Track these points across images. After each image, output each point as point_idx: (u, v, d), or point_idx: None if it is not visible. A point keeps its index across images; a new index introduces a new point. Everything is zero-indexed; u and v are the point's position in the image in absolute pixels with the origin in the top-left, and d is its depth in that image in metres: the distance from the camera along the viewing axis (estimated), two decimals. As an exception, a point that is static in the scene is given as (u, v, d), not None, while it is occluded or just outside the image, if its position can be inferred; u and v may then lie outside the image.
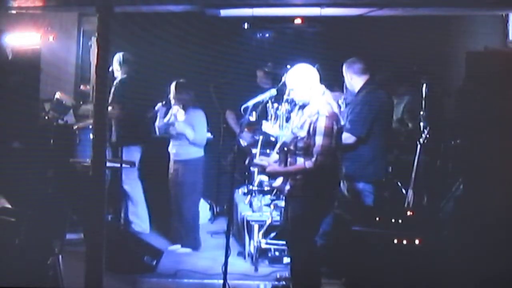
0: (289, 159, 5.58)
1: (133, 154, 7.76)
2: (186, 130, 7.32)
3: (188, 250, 7.41)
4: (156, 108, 7.53)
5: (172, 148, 7.52)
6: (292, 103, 5.96)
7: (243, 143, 7.66)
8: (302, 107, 5.61)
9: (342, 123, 5.64)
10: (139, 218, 8.01)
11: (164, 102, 7.47)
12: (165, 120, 7.46)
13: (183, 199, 7.41)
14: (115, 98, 7.78)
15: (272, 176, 6.28)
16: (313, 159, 5.38)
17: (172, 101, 7.43)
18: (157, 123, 7.52)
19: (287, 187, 5.60)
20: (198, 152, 7.45)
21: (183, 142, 7.40)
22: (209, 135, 7.81)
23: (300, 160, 5.48)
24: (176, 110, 7.43)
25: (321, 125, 5.39)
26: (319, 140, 5.38)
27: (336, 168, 5.60)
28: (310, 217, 5.55)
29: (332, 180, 5.60)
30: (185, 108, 7.41)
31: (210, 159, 7.69)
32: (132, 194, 7.90)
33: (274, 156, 5.86)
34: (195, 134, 7.35)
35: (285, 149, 5.63)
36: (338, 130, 5.51)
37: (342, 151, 5.79)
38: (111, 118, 7.63)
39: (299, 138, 5.49)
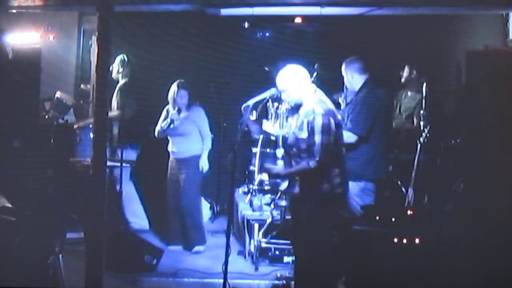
0: (293, 162, 5.57)
1: (130, 154, 7.77)
2: (190, 129, 7.37)
3: (202, 247, 7.43)
4: (165, 111, 7.53)
5: (172, 147, 7.53)
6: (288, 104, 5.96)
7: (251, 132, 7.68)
8: (297, 107, 5.60)
9: (339, 117, 5.63)
10: (137, 216, 8.03)
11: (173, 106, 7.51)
12: (168, 121, 7.48)
13: (185, 197, 7.42)
14: (118, 100, 7.80)
15: (279, 178, 6.30)
16: (316, 158, 5.37)
17: (171, 102, 7.46)
18: (161, 125, 7.51)
19: (296, 189, 5.59)
20: (199, 150, 7.47)
21: (184, 140, 7.41)
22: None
23: (304, 161, 5.47)
24: (176, 112, 7.45)
25: (319, 123, 5.37)
26: (318, 138, 5.37)
27: (340, 164, 5.58)
28: (321, 216, 5.51)
29: (339, 176, 5.55)
30: (185, 107, 7.44)
31: (210, 158, 7.69)
32: (126, 192, 7.90)
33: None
34: (200, 130, 7.42)
35: (290, 152, 5.62)
36: (337, 125, 5.49)
37: (345, 146, 5.78)
38: (112, 120, 7.66)
39: (300, 140, 5.48)
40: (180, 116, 7.47)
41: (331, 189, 5.49)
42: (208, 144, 7.53)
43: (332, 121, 5.42)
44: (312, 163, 5.39)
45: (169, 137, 7.57)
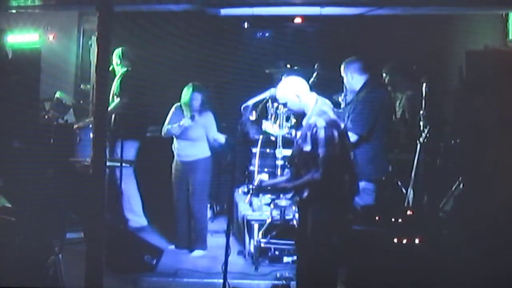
0: (300, 172, 5.52)
1: (129, 150, 7.75)
2: (200, 134, 7.31)
3: (202, 252, 7.38)
4: (173, 109, 7.43)
5: (179, 150, 7.48)
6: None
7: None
8: (301, 118, 5.58)
9: (343, 125, 5.59)
10: (135, 214, 8.01)
11: (179, 105, 7.39)
12: (179, 124, 7.33)
13: (194, 201, 7.38)
14: (116, 92, 7.79)
15: (285, 191, 6.28)
16: (321, 170, 5.33)
17: (186, 106, 7.31)
18: (169, 127, 7.38)
19: (302, 195, 5.52)
20: (206, 152, 7.44)
21: (192, 144, 7.36)
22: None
23: (309, 172, 5.43)
24: (189, 118, 7.30)
25: (322, 137, 5.32)
26: (322, 152, 5.32)
27: (349, 170, 5.52)
28: (328, 221, 5.47)
29: (348, 182, 5.51)
30: (198, 112, 7.32)
31: (211, 158, 7.68)
32: (126, 190, 7.89)
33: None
34: (208, 136, 7.33)
35: (295, 162, 5.60)
36: (341, 135, 5.45)
37: (353, 149, 5.76)
38: (111, 113, 7.63)
39: (304, 152, 5.44)
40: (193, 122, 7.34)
41: (339, 195, 5.47)
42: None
43: (335, 132, 5.38)
44: (317, 175, 5.35)
45: (175, 139, 7.47)
